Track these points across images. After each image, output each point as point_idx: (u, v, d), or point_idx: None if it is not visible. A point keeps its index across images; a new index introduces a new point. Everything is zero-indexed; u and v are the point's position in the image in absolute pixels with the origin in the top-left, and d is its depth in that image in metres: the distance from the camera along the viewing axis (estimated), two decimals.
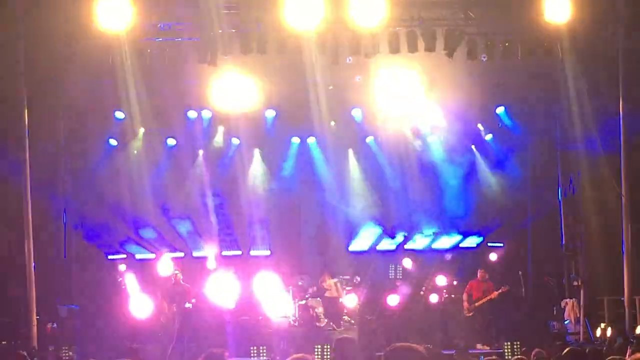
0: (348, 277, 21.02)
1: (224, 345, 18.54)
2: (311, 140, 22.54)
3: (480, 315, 19.22)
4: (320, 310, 20.12)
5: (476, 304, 19.19)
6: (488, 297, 19.15)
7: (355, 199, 22.74)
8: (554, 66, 19.31)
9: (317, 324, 19.70)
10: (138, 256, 21.47)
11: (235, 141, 22.23)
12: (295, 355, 7.86)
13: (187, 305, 18.15)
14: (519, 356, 11.05)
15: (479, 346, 18.67)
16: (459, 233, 22.27)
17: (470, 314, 19.29)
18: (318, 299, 20.41)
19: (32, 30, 17.10)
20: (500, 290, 19.16)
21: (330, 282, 20.24)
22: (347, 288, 20.50)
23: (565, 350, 9.02)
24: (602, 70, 18.72)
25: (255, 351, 18.08)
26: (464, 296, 19.48)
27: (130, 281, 19.35)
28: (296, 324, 19.97)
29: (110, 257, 21.07)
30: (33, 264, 17.21)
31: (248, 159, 22.40)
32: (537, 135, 21.82)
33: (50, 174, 19.93)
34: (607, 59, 18.40)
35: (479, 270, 19.57)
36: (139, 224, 21.71)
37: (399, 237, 22.36)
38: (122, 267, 19.86)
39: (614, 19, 17.93)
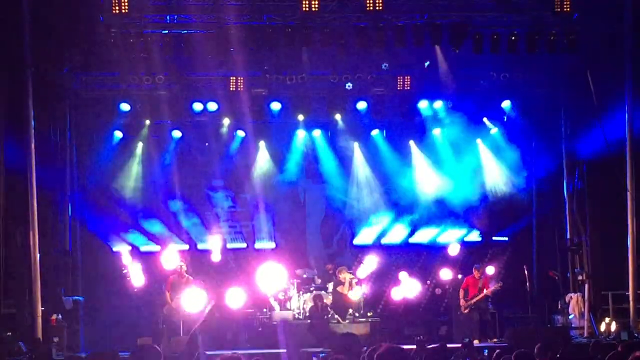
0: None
1: (225, 340, 18.63)
2: (316, 133, 22.53)
3: (476, 312, 19.22)
4: (327, 302, 20.05)
5: (472, 301, 19.20)
6: (483, 295, 19.15)
7: (361, 193, 22.74)
8: (559, 59, 19.26)
9: (325, 316, 19.66)
10: (143, 248, 21.46)
11: (240, 134, 22.21)
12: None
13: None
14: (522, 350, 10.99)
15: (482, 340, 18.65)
16: (464, 227, 22.21)
17: (467, 311, 19.30)
18: (323, 292, 20.38)
19: (38, 16, 17.04)
20: (493, 287, 19.19)
21: (346, 275, 20.07)
22: (354, 280, 20.39)
23: None
24: (608, 63, 18.66)
25: (258, 344, 18.11)
26: (461, 293, 19.45)
27: (134, 273, 19.35)
28: (301, 316, 19.97)
29: (115, 249, 21.08)
30: (38, 256, 17.23)
31: (253, 151, 22.39)
32: (542, 129, 21.77)
33: (56, 166, 19.94)
34: (613, 52, 18.33)
35: (474, 267, 19.55)
36: (144, 216, 21.72)
37: (406, 228, 22.32)
38: (126, 259, 19.83)
39: (621, 12, 17.86)
